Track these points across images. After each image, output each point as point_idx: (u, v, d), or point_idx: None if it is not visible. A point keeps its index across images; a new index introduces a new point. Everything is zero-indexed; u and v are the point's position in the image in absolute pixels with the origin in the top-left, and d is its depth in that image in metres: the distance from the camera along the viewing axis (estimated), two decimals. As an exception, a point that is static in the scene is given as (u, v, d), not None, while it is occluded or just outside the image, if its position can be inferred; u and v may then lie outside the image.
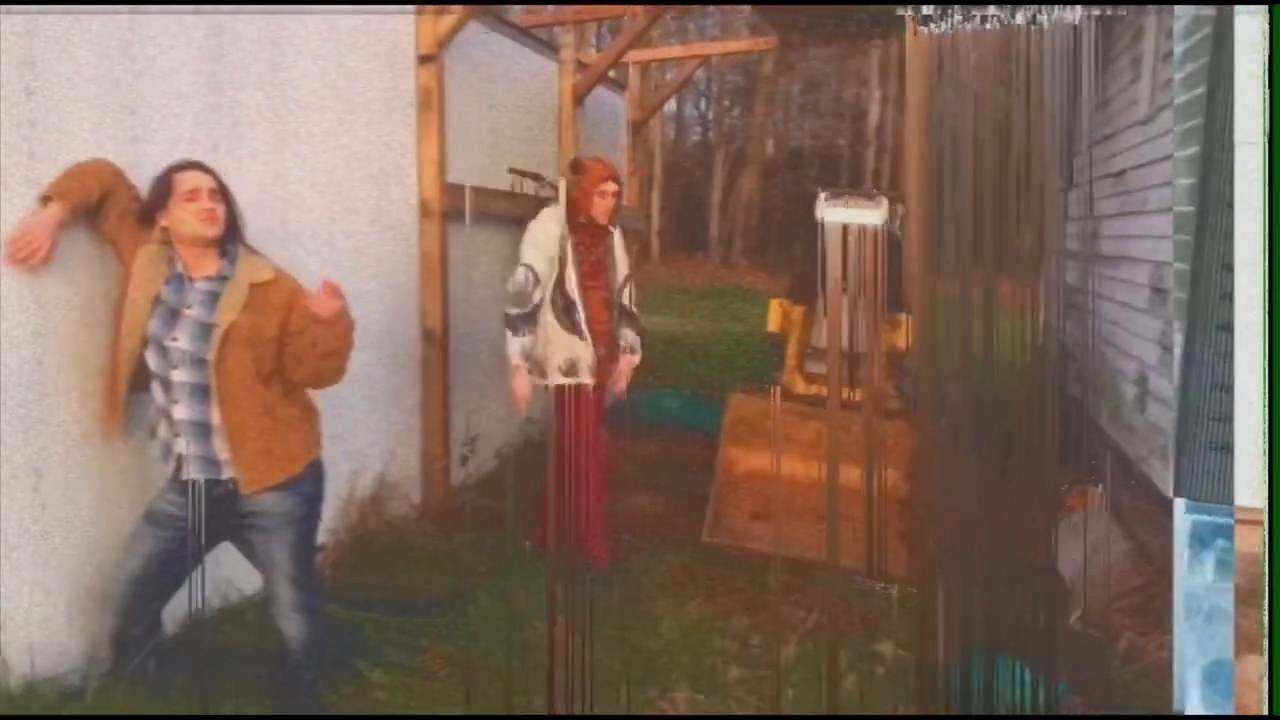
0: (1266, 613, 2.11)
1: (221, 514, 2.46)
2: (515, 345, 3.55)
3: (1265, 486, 2.03)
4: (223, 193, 2.50)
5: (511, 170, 4.60)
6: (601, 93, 6.19)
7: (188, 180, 2.45)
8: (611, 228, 3.70)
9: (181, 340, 2.39)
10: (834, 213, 3.70)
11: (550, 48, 5.55)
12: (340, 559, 3.49)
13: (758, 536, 3.92)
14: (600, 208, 3.58)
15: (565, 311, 3.55)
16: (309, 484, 2.56)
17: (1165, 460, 3.03)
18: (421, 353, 4.05)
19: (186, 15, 2.86)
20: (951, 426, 5.27)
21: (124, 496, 2.61)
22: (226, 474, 2.44)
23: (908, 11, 2.44)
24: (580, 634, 2.63)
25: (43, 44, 2.44)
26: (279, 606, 2.56)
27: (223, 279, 2.46)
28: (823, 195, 3.66)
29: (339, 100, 3.58)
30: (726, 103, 22.25)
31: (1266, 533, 2.08)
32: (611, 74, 6.59)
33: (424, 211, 4.05)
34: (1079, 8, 2.21)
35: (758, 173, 18.33)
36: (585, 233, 3.59)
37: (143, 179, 2.53)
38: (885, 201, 3.83)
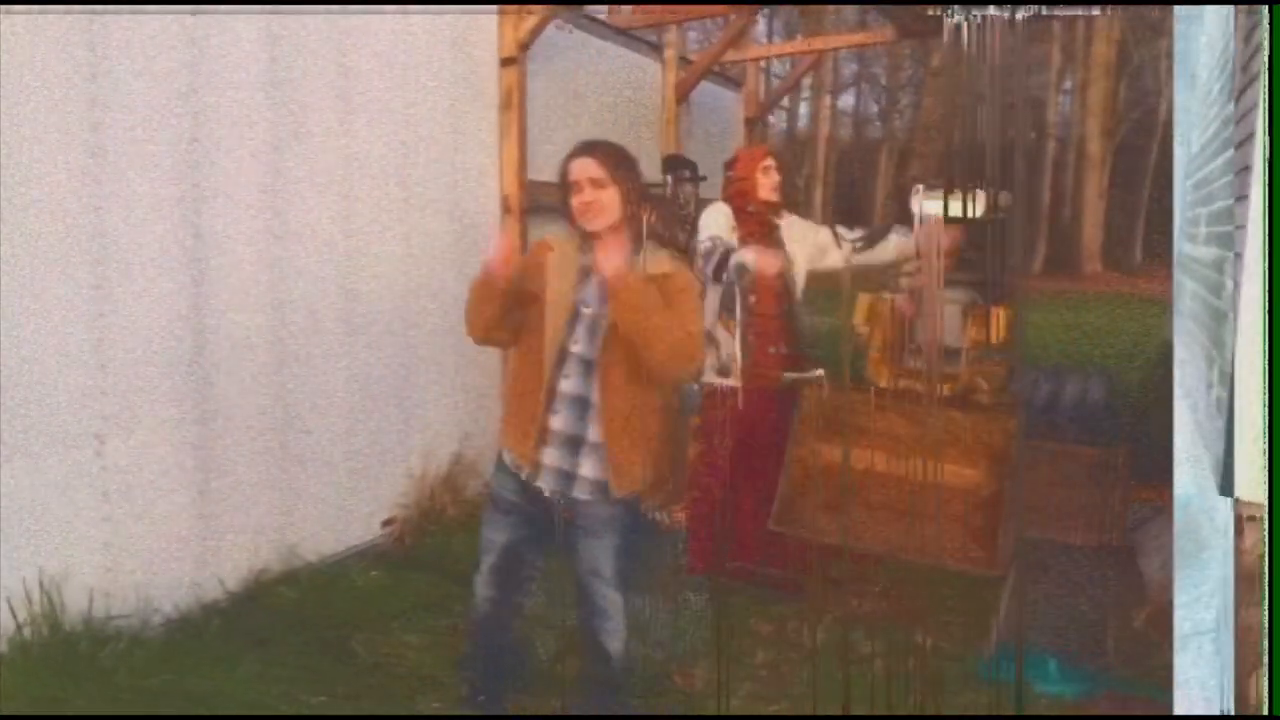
0: (1267, 613, 2.04)
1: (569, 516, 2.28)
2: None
3: (1265, 485, 1.97)
4: (614, 178, 2.21)
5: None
6: (714, 90, 6.22)
7: (571, 170, 2.23)
8: (780, 209, 3.47)
9: (580, 344, 2.21)
10: (929, 205, 3.63)
11: (653, 47, 5.64)
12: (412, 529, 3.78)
13: (826, 528, 3.88)
14: (766, 185, 3.40)
15: (725, 309, 3.33)
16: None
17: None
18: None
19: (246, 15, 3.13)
20: (1047, 422, 5.03)
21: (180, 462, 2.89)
22: (578, 490, 2.24)
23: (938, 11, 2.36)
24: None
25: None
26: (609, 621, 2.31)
27: None
28: (919, 188, 3.61)
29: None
30: (901, 99, 21.69)
31: (1267, 532, 2.02)
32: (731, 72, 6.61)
33: (505, 207, 4.25)
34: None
35: (920, 168, 17.87)
36: (754, 222, 3.39)
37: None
38: (980, 194, 3.71)
